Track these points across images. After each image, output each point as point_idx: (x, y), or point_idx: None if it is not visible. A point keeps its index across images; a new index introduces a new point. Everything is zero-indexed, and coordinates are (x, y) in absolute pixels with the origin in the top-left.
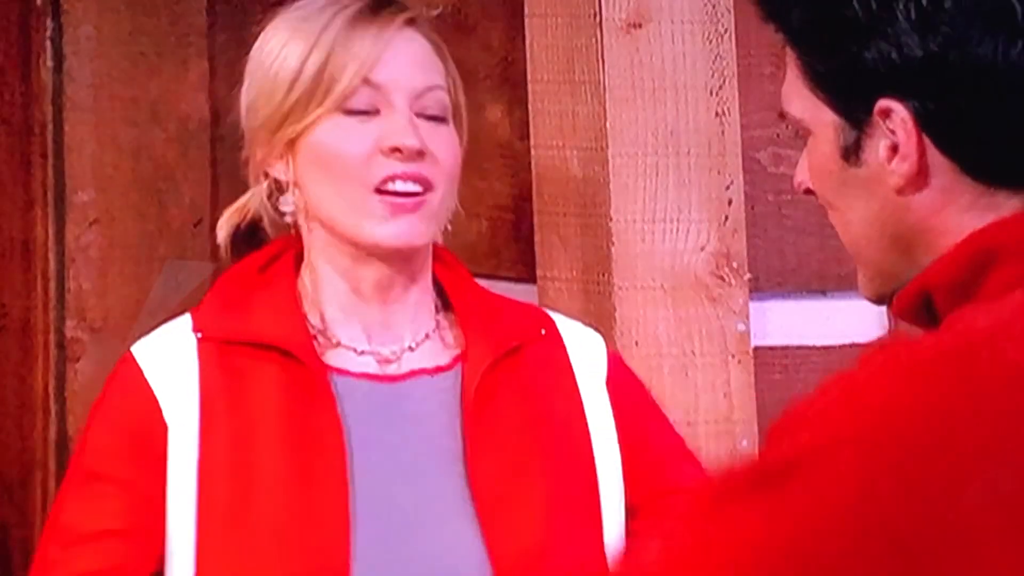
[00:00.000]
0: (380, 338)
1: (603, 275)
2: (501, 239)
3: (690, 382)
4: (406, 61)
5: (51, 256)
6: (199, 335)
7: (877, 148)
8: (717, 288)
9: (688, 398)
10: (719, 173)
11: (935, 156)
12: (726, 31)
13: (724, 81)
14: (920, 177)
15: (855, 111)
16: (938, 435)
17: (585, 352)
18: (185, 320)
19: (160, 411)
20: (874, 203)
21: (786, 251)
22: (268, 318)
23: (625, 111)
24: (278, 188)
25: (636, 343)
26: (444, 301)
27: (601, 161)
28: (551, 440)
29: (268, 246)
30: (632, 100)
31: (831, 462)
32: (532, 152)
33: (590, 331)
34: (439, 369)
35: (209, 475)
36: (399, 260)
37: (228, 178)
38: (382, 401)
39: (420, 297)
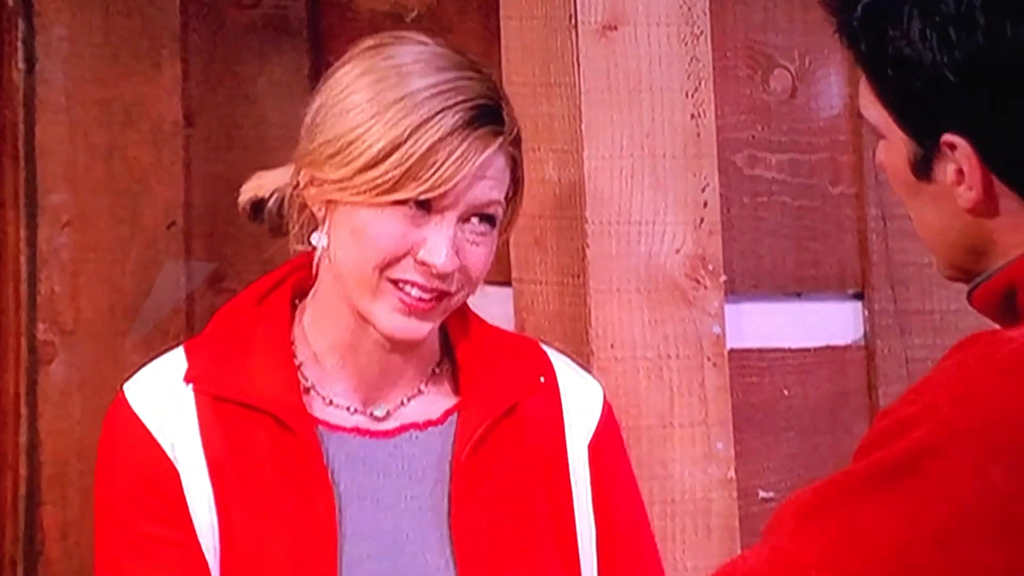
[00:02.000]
0: (373, 396)
1: (578, 278)
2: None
3: (665, 384)
4: (477, 177)
5: (23, 258)
6: (191, 386)
7: (946, 170)
8: (692, 290)
9: (663, 400)
10: (695, 175)
11: (1001, 186)
12: (701, 33)
13: (700, 83)
14: (988, 203)
15: (923, 138)
16: None
17: (579, 407)
18: (179, 362)
19: (169, 459)
20: (945, 216)
21: (762, 253)
22: (260, 376)
23: (600, 113)
24: (301, 210)
25: (612, 345)
26: (446, 343)
27: (576, 163)
28: (534, 501)
29: (269, 275)
30: (607, 102)
31: (949, 458)
32: None
33: (589, 382)
34: (429, 423)
35: (224, 528)
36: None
37: (201, 181)
38: (373, 457)
39: (419, 359)
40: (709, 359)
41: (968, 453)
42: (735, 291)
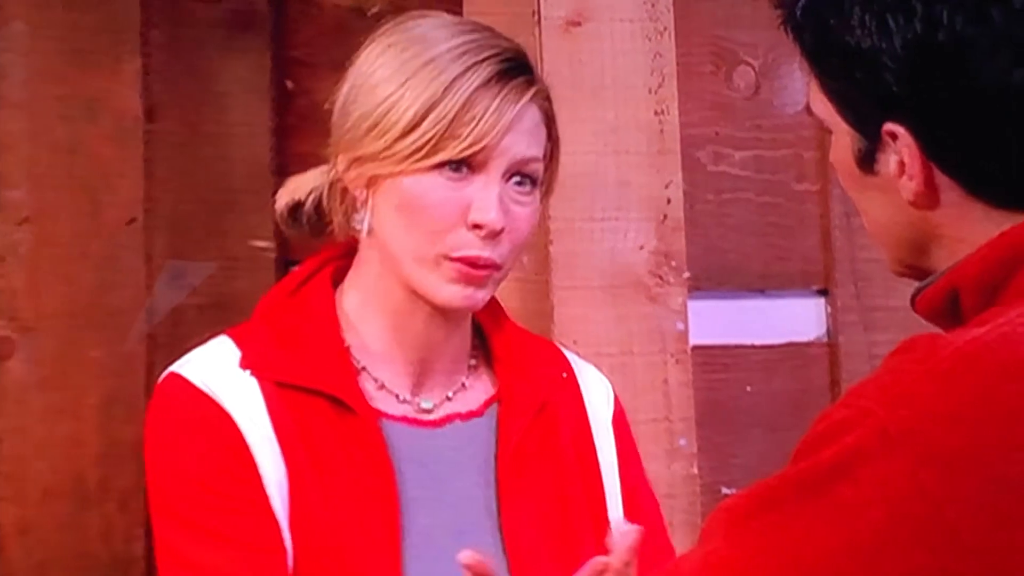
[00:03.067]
0: (420, 385)
1: (542, 274)
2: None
3: (629, 381)
4: (516, 131)
5: None
6: (249, 372)
7: (889, 161)
8: (656, 287)
9: (627, 397)
10: (658, 172)
11: (942, 177)
12: (665, 29)
13: (664, 79)
14: (929, 194)
15: (866, 128)
16: (984, 431)
17: (597, 398)
18: (229, 349)
19: (240, 433)
20: (890, 208)
21: (725, 250)
22: (316, 360)
23: (564, 109)
24: (346, 198)
25: (575, 342)
26: (480, 338)
27: None
28: (571, 487)
29: (299, 269)
30: (571, 98)
31: (881, 463)
32: None
33: (599, 374)
34: (471, 414)
35: (295, 508)
36: (451, 312)
37: (163, 176)
38: (423, 446)
39: (461, 341)
40: (672, 356)
41: (901, 458)
42: (699, 287)
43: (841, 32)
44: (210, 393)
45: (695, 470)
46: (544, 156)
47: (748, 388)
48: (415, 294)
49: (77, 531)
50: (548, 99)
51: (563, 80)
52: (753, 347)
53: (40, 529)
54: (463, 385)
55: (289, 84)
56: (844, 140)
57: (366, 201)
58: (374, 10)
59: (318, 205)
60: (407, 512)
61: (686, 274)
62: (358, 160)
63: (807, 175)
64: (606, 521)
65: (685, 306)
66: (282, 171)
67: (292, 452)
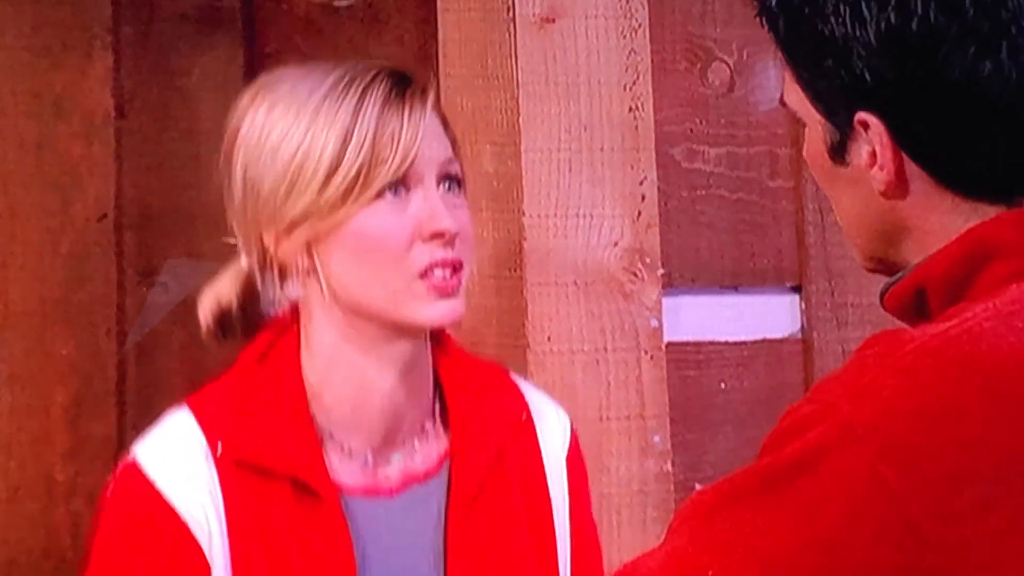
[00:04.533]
0: (387, 440)
1: (515, 270)
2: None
3: (602, 377)
4: (431, 137)
5: None
6: (216, 454)
7: (860, 152)
8: (630, 284)
9: (600, 393)
10: (633, 168)
11: (912, 167)
12: (640, 26)
13: (638, 76)
14: (899, 184)
15: (837, 118)
16: (945, 426)
17: (552, 435)
18: (192, 428)
19: (193, 536)
20: (860, 200)
21: (699, 247)
22: (281, 438)
23: (538, 106)
24: (283, 273)
25: (548, 338)
26: (435, 383)
27: (514, 156)
28: (524, 543)
29: (264, 333)
30: (545, 95)
31: (842, 457)
32: None
33: (558, 411)
34: (427, 475)
35: None
36: (423, 336)
37: (133, 173)
38: (382, 518)
39: (424, 382)
40: (646, 352)
41: (863, 453)
42: (672, 284)
43: (815, 20)
44: (165, 494)
45: (669, 467)
46: (457, 155)
47: (722, 385)
48: (391, 329)
49: (46, 529)
50: (439, 103)
51: (537, 77)
52: (727, 344)
53: (8, 527)
54: (423, 430)
55: None
56: (816, 131)
57: (312, 267)
58: (344, 3)
59: (244, 306)
60: None
61: (660, 271)
62: (287, 228)
63: (781, 172)
64: (556, 568)
65: (659, 303)
66: None
67: (244, 546)
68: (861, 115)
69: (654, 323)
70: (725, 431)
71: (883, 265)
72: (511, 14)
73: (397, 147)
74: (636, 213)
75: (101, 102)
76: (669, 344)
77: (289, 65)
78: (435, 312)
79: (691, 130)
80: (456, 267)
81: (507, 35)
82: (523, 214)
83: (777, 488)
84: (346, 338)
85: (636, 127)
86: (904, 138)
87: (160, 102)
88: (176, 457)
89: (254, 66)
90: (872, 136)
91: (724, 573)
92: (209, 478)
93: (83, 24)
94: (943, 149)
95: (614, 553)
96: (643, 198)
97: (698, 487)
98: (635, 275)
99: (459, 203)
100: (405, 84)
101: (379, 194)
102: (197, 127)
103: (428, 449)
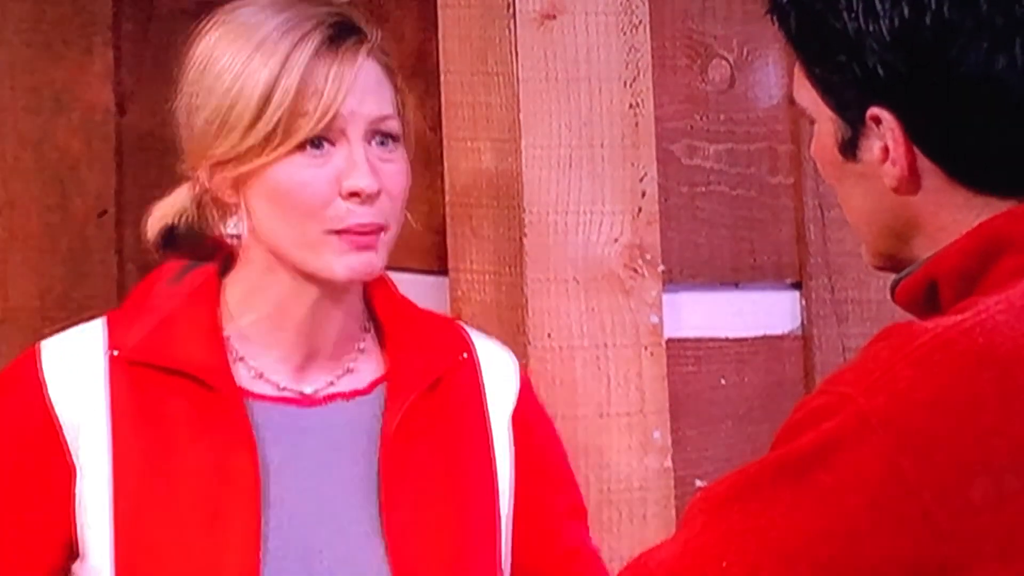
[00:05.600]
0: (303, 372)
1: (515, 267)
2: (413, 231)
3: (602, 374)
4: (362, 90)
5: None
6: (115, 353)
7: (872, 148)
8: (630, 280)
9: (600, 390)
10: (633, 165)
11: (924, 161)
12: (640, 22)
13: (638, 73)
14: (912, 179)
15: (849, 113)
16: (961, 417)
17: (498, 380)
18: (98, 330)
19: (58, 436)
20: (871, 196)
21: (699, 243)
22: (187, 342)
23: (538, 102)
24: (219, 206)
25: (549, 335)
26: (371, 317)
27: (514, 152)
28: (460, 475)
29: (182, 257)
30: (545, 91)
31: (857, 449)
32: (444, 143)
33: (506, 355)
34: (356, 393)
35: (123, 502)
36: (341, 286)
37: (133, 169)
38: (299, 426)
39: (347, 325)
40: (646, 348)
41: (879, 444)
42: (673, 280)
43: (827, 16)
44: (47, 387)
45: (668, 463)
46: (396, 110)
47: (722, 381)
48: (307, 279)
49: None
50: (385, 52)
51: (537, 73)
52: (727, 340)
53: None
54: (349, 369)
55: None
56: (827, 127)
57: (239, 204)
58: (344, 3)
59: (191, 225)
60: (272, 488)
61: (660, 267)
62: (219, 165)
63: (781, 169)
64: (495, 513)
65: (659, 299)
66: None
67: (130, 442)
68: (873, 110)
69: (654, 319)
70: (725, 427)
71: (893, 263)
72: (511, 10)
73: (319, 101)
74: (636, 209)
75: (101, 98)
76: (669, 340)
77: None
78: (347, 264)
79: (691, 127)
80: (374, 231)
81: (507, 31)
82: (523, 210)
83: (792, 479)
84: (269, 270)
85: (636, 123)
86: (917, 133)
87: (160, 98)
88: (72, 353)
89: None
90: (884, 131)
91: (739, 564)
92: (101, 377)
93: (83, 20)
94: (956, 144)
95: (613, 548)
96: (643, 194)
97: (699, 483)
98: (635, 271)
99: (391, 158)
100: (342, 36)
101: (300, 147)
102: None
103: (357, 376)
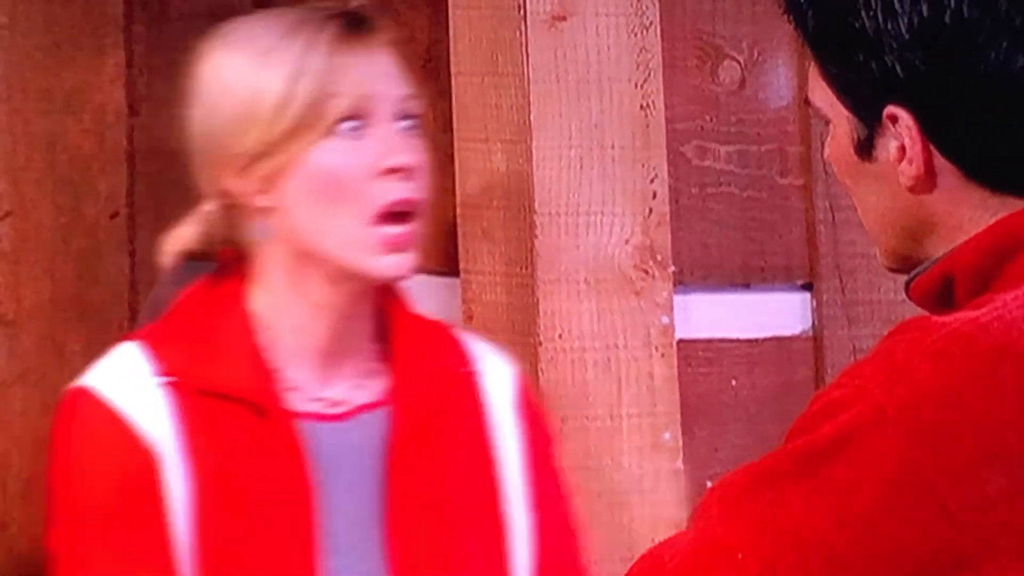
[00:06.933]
0: (330, 378)
1: (526, 268)
2: (423, 232)
3: (613, 375)
4: (386, 74)
5: None
6: (166, 380)
7: (888, 147)
8: (641, 281)
9: (611, 391)
10: (643, 166)
11: (941, 160)
12: (651, 24)
13: (649, 74)
14: (928, 179)
15: (865, 113)
16: (978, 410)
17: (498, 388)
18: (138, 357)
19: (149, 453)
20: (886, 196)
21: (710, 244)
22: (231, 363)
23: (549, 104)
24: (243, 214)
25: (559, 336)
26: (380, 326)
27: (525, 154)
28: (464, 490)
29: (207, 275)
30: (556, 93)
31: (874, 441)
32: (455, 145)
33: (504, 363)
34: (372, 405)
35: (202, 528)
36: (374, 286)
37: (145, 170)
38: (331, 441)
39: (368, 324)
40: (657, 350)
41: (896, 436)
42: (683, 282)
43: (845, 15)
44: (122, 411)
45: (679, 464)
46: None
47: (733, 382)
48: (340, 279)
49: None
50: (398, 45)
51: (548, 75)
52: (738, 341)
53: (21, 524)
54: (366, 378)
55: None
56: (843, 128)
57: (269, 207)
58: (356, 1)
59: (206, 249)
60: (326, 514)
61: (671, 268)
62: (245, 167)
63: (792, 170)
64: (500, 524)
65: (670, 300)
66: None
67: (201, 468)
68: (890, 109)
69: (665, 320)
70: (736, 428)
71: (907, 264)
72: (522, 12)
73: (349, 81)
74: (647, 211)
75: (113, 99)
76: (680, 341)
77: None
78: (385, 265)
79: (702, 128)
80: (412, 206)
81: (518, 33)
82: (534, 212)
83: (809, 470)
84: (293, 279)
85: (647, 125)
86: (934, 131)
87: (172, 99)
88: (127, 381)
89: None
90: (901, 130)
91: (755, 555)
92: (162, 403)
93: (95, 21)
94: (974, 142)
95: (625, 549)
96: (654, 195)
97: (709, 484)
98: (646, 272)
99: (416, 144)
100: (358, 23)
101: (333, 130)
102: None
103: (374, 387)
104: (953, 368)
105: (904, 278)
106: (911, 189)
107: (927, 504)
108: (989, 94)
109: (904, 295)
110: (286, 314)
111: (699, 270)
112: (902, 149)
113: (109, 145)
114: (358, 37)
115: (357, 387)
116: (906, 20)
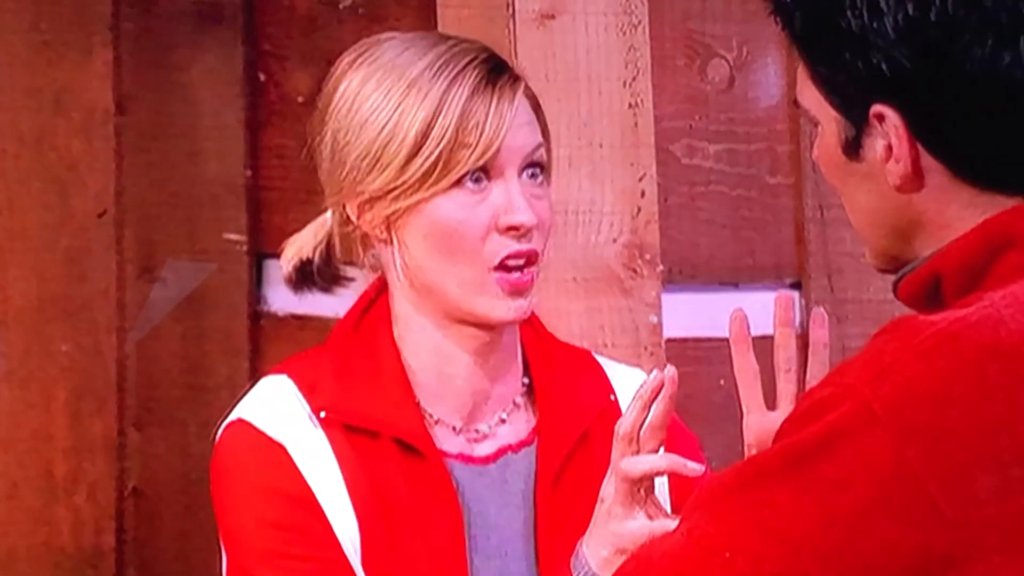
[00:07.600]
0: (473, 413)
1: None
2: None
3: None
4: (518, 125)
5: None
6: (322, 415)
7: (875, 146)
8: (630, 280)
9: None
10: (632, 165)
11: (928, 159)
12: (639, 23)
13: (638, 73)
14: (915, 177)
15: (853, 112)
16: (967, 409)
17: None
18: (290, 390)
19: (311, 489)
20: (874, 196)
21: (699, 243)
22: (383, 402)
23: None
24: (364, 242)
25: None
26: (525, 363)
27: None
28: None
29: (358, 301)
30: (545, 92)
31: (863, 440)
32: None
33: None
34: (521, 444)
35: (367, 559)
36: (498, 329)
37: (133, 169)
38: (478, 483)
39: (510, 361)
40: (646, 348)
41: (885, 435)
42: (672, 280)
43: (832, 14)
44: (281, 443)
45: None
46: (545, 142)
47: (721, 381)
48: (460, 321)
49: (46, 524)
50: (530, 88)
51: (537, 73)
52: (726, 340)
53: (9, 523)
54: (514, 404)
55: (261, 76)
56: (831, 128)
57: (390, 241)
58: (346, 2)
59: (327, 260)
60: (476, 554)
61: (660, 267)
62: (369, 202)
63: (780, 168)
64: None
65: (659, 299)
66: (254, 163)
67: (363, 503)
68: (877, 108)
69: (653, 319)
70: (724, 427)
71: (896, 263)
72: (511, 10)
73: (480, 135)
74: (636, 209)
75: (101, 98)
76: (668, 340)
77: (378, 35)
78: (504, 308)
79: (691, 126)
80: (530, 259)
81: (507, 31)
82: None
83: (797, 469)
84: (421, 311)
85: (636, 123)
86: (921, 130)
87: (159, 98)
88: (283, 414)
89: (254, 63)
90: (888, 128)
91: (743, 554)
92: (319, 438)
93: (83, 20)
94: (960, 140)
95: None
96: (643, 194)
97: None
98: (635, 271)
99: (541, 193)
100: (498, 72)
101: (459, 181)
102: (197, 123)
103: (519, 423)
104: (941, 367)
105: (891, 277)
106: (899, 188)
107: (917, 503)
108: (975, 91)
109: (893, 294)
110: (419, 348)
111: (688, 268)
112: (889, 148)
113: (97, 144)
114: (496, 88)
115: (501, 423)
116: (892, 18)
